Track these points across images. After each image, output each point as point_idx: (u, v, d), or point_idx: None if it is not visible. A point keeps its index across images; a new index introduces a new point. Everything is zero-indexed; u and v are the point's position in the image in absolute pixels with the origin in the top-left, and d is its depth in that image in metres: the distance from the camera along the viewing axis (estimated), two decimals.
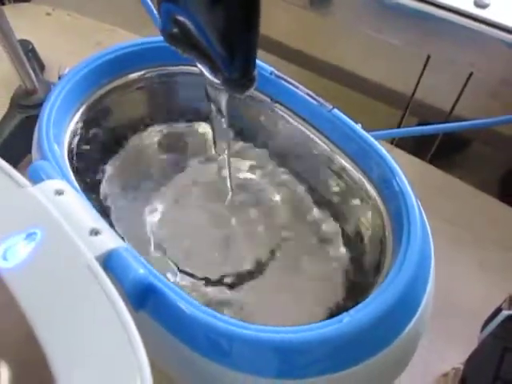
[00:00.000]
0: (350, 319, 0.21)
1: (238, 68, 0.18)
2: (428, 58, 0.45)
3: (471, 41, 0.41)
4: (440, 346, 0.35)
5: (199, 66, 0.21)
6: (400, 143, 0.49)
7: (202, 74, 0.21)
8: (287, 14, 0.51)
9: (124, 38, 0.55)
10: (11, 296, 0.18)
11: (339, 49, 0.52)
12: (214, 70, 0.19)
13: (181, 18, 0.18)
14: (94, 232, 0.20)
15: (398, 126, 0.52)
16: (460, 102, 0.47)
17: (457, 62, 0.43)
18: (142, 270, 0.20)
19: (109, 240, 0.20)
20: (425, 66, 0.46)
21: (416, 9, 0.43)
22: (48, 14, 0.59)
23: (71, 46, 0.54)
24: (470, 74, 0.44)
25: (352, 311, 0.21)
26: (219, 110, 0.23)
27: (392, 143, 0.50)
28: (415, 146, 0.51)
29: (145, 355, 0.17)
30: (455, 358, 0.33)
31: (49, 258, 0.19)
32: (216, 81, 0.20)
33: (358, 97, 0.53)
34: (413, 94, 0.48)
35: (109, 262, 0.20)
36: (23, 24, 0.43)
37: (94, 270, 0.19)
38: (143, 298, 0.21)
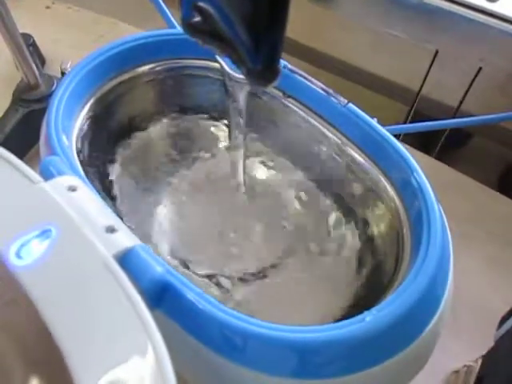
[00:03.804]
0: (372, 318, 0.20)
1: (263, 59, 0.17)
2: (436, 52, 0.45)
3: (481, 35, 0.41)
4: (450, 342, 0.35)
5: (219, 58, 0.20)
6: (406, 138, 0.49)
7: (221, 67, 0.21)
8: (293, 8, 0.50)
9: (126, 31, 0.55)
10: (28, 297, 0.17)
11: (345, 43, 0.51)
12: (237, 61, 0.18)
13: (204, 6, 0.17)
14: (110, 229, 0.20)
15: (405, 122, 0.51)
16: (467, 97, 0.46)
17: (466, 56, 0.43)
18: (159, 269, 0.19)
19: (125, 238, 0.20)
20: (433, 60, 0.46)
21: (424, 2, 0.42)
22: (48, 8, 0.58)
23: (72, 40, 0.53)
24: (478, 70, 0.44)
25: (374, 310, 0.21)
26: (237, 105, 0.23)
27: (398, 138, 0.50)
28: (421, 141, 0.50)
29: (167, 354, 0.16)
30: (466, 355, 0.32)
31: (64, 256, 0.19)
32: (236, 74, 0.20)
33: (364, 92, 0.52)
34: (420, 89, 0.48)
35: (125, 260, 0.19)
36: (22, 18, 0.42)
37: (112, 268, 0.18)
38: (160, 297, 0.20)
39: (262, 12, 0.16)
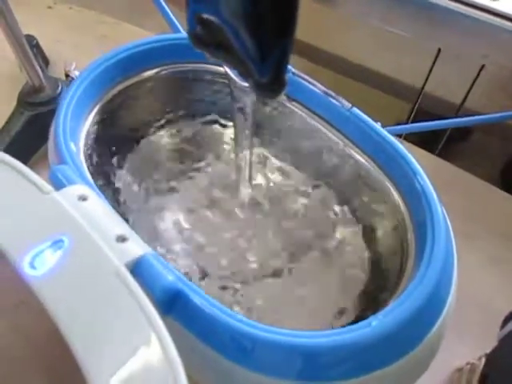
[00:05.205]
0: (378, 322, 0.21)
1: (270, 72, 0.17)
2: (439, 50, 0.45)
3: (484, 33, 0.41)
4: (454, 341, 0.35)
5: (226, 68, 0.21)
6: (408, 135, 0.49)
7: (226, 73, 0.21)
8: None
9: (129, 31, 0.55)
10: (42, 306, 0.17)
11: (347, 41, 0.51)
12: (244, 73, 0.18)
13: (210, 19, 0.17)
14: (121, 239, 0.20)
15: (407, 120, 0.51)
16: (470, 94, 0.46)
17: (468, 54, 0.43)
18: (170, 277, 0.20)
19: (136, 246, 0.20)
20: (435, 58, 0.46)
21: (426, 0, 0.42)
22: (49, 8, 0.58)
23: (75, 40, 0.53)
24: (481, 68, 0.44)
25: (380, 314, 0.21)
26: (243, 111, 0.23)
27: (401, 136, 0.50)
28: (423, 138, 0.50)
29: (180, 362, 0.16)
30: (469, 352, 0.33)
31: (77, 266, 0.19)
32: (244, 84, 0.20)
33: (367, 90, 0.52)
34: (423, 86, 0.48)
35: (137, 269, 0.20)
36: (24, 18, 0.42)
37: (124, 277, 0.19)
38: (171, 304, 0.21)
39: (269, 23, 0.16)
